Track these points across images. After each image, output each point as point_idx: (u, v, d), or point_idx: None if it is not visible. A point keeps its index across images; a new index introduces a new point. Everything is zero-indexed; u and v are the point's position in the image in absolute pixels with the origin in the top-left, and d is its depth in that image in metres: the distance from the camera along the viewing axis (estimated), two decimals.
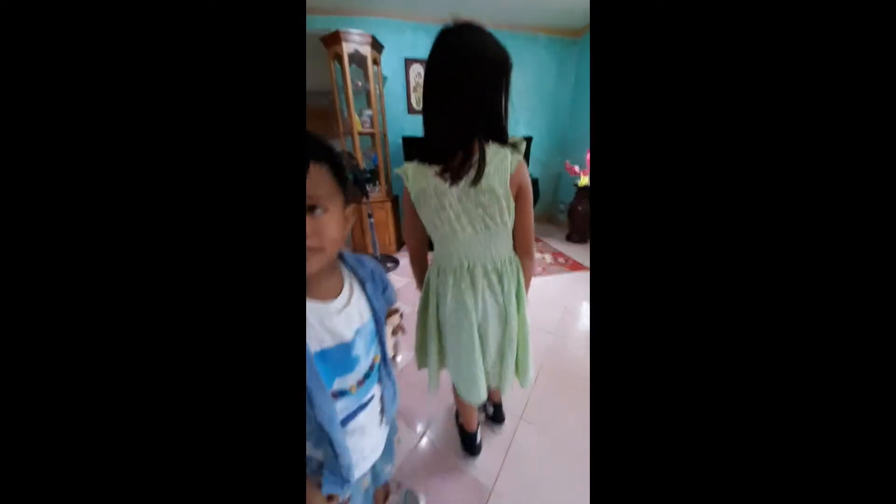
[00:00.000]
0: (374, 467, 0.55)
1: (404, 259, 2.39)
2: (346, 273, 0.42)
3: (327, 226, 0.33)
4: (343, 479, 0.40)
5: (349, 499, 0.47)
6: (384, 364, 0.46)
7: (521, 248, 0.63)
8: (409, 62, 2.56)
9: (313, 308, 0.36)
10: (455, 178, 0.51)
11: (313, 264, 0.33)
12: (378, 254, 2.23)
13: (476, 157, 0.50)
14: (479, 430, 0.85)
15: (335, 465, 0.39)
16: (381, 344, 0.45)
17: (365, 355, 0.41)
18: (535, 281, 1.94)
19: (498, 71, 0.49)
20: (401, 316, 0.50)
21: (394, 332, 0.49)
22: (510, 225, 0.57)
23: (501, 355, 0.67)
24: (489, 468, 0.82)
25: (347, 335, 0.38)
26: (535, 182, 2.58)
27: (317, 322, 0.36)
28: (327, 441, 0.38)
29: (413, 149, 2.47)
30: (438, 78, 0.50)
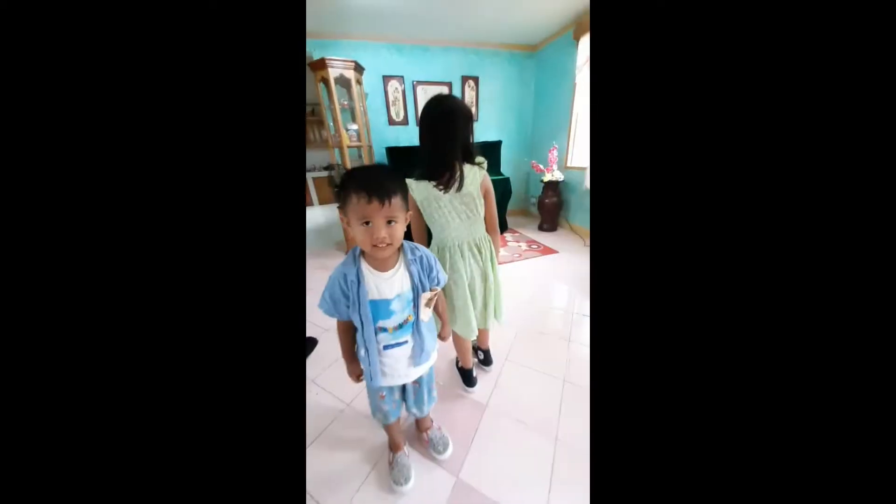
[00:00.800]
0: (413, 404, 0.80)
1: None
2: (401, 256, 0.63)
3: (397, 231, 0.55)
4: (370, 377, 0.66)
5: (384, 395, 0.74)
6: (416, 323, 0.66)
7: (490, 228, 0.95)
8: (386, 79, 2.82)
9: (374, 274, 0.59)
10: (447, 188, 0.81)
11: (386, 252, 0.55)
12: None
13: (458, 174, 0.81)
14: (474, 369, 1.14)
15: (368, 368, 0.66)
16: (416, 308, 0.64)
17: (400, 312, 0.62)
18: (513, 264, 2.26)
19: (467, 119, 0.80)
20: (435, 294, 0.67)
21: (426, 304, 0.65)
22: (482, 215, 0.89)
23: (485, 304, 0.98)
24: (484, 393, 1.11)
25: (389, 295, 0.60)
26: (506, 180, 2.92)
27: (373, 283, 0.59)
28: (367, 353, 0.63)
29: (396, 157, 2.74)
30: (433, 127, 0.80)
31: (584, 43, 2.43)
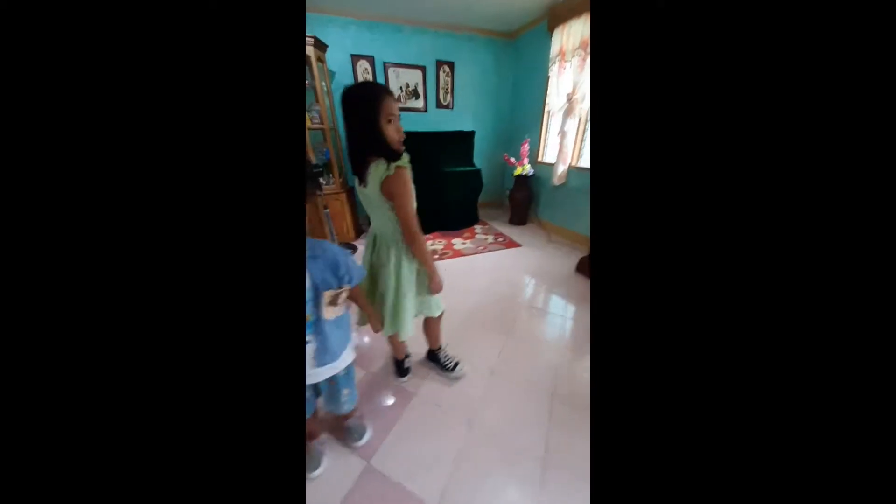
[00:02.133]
0: (327, 402, 0.81)
1: (361, 245, 2.61)
2: None
3: None
4: None
5: None
6: (317, 323, 0.63)
7: (404, 237, 0.83)
8: (355, 58, 2.68)
9: None
10: (360, 181, 0.79)
11: None
12: (336, 241, 2.42)
13: (364, 168, 0.77)
14: (406, 360, 1.17)
15: None
16: (317, 307, 0.62)
17: None
18: (476, 256, 2.27)
19: (369, 105, 0.70)
20: (340, 292, 0.65)
21: (329, 303, 0.63)
22: (389, 215, 0.80)
23: (394, 308, 0.92)
24: (415, 383, 1.14)
25: None
26: (477, 172, 2.91)
27: None
28: None
29: None
30: (343, 117, 0.75)
31: (558, 35, 2.39)
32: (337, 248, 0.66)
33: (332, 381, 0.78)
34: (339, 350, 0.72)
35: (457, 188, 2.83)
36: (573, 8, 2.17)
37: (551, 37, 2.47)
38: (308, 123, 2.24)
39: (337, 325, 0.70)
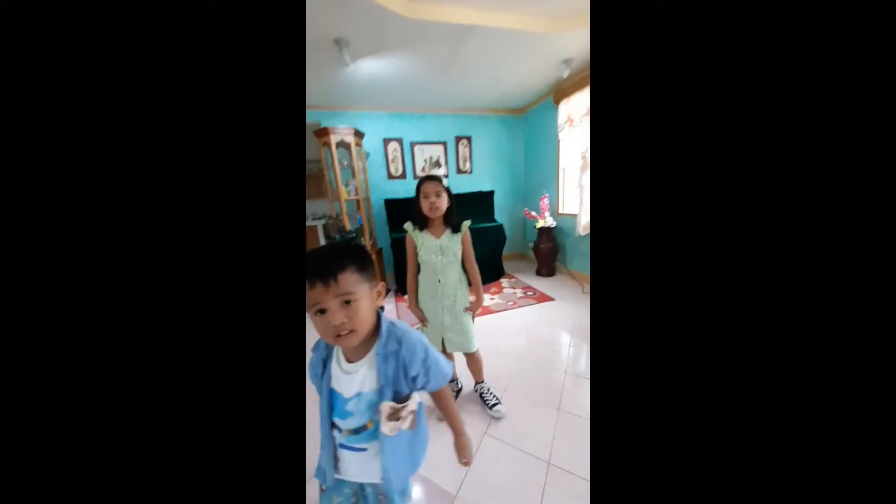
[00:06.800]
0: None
1: (389, 305, 2.60)
2: (374, 347, 0.49)
3: (357, 312, 0.43)
4: (321, 471, 0.54)
5: (324, 489, 0.57)
6: (379, 434, 0.48)
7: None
8: (386, 141, 3.14)
9: (339, 362, 0.50)
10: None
11: (351, 342, 0.44)
12: None
13: None
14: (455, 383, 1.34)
15: (322, 461, 0.53)
16: (377, 414, 0.48)
17: (359, 415, 0.49)
18: (507, 313, 2.15)
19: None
20: (402, 408, 0.48)
21: (388, 418, 0.47)
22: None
23: None
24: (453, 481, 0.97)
25: (347, 393, 0.49)
26: (500, 227, 2.99)
27: (336, 371, 0.50)
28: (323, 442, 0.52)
29: (393, 208, 2.89)
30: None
31: (564, 106, 2.68)
32: (419, 339, 0.51)
33: (384, 494, 0.58)
34: (404, 473, 0.55)
35: (481, 244, 2.87)
36: (575, 84, 2.47)
37: (558, 108, 2.77)
38: (346, 195, 2.52)
39: (404, 441, 0.51)
